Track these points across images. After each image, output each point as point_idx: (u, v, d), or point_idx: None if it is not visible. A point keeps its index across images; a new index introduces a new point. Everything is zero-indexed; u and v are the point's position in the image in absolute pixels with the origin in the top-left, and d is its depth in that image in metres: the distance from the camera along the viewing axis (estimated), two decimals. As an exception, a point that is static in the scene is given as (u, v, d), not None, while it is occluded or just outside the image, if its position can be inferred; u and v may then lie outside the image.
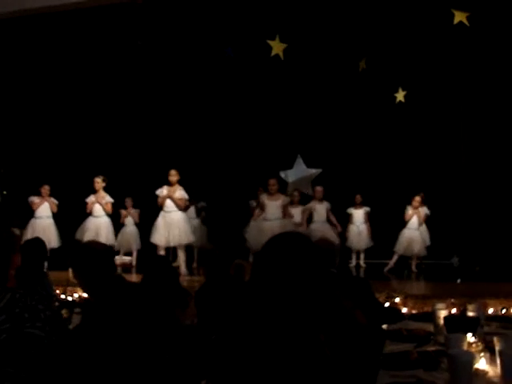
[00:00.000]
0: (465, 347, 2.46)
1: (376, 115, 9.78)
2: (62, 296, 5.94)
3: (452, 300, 4.86)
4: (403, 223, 8.48)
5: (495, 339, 2.34)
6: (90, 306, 3.03)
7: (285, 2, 8.16)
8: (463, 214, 9.24)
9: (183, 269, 7.63)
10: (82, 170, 9.64)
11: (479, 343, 2.55)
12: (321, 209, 8.60)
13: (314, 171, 10.01)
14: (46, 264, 4.59)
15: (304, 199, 9.03)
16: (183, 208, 7.85)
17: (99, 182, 8.30)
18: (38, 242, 4.42)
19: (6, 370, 1.77)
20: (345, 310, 2.10)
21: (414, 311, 4.96)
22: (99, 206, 8.32)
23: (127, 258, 9.15)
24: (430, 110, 9.56)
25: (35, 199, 8.55)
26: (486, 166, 9.16)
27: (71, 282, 5.61)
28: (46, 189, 8.57)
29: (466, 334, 2.55)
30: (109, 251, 2.78)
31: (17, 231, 7.99)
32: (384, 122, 9.78)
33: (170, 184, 7.75)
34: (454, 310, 4.44)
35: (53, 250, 7.78)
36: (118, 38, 9.03)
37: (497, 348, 2.29)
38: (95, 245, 2.83)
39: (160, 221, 7.82)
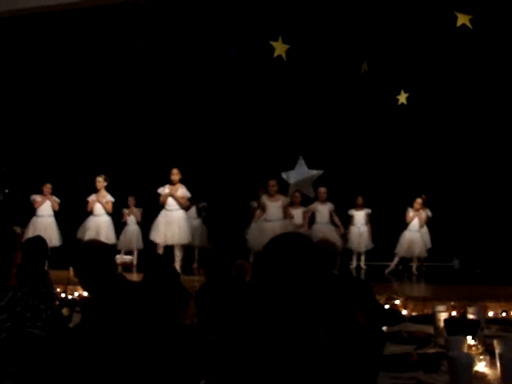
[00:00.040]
0: (465, 349, 2.46)
1: (378, 117, 9.76)
2: (63, 295, 5.95)
3: (452, 302, 4.86)
4: (404, 225, 8.48)
5: (495, 342, 2.35)
6: (90, 304, 3.04)
7: (288, 3, 8.16)
8: (464, 216, 9.23)
9: (178, 269, 7.63)
10: (85, 168, 9.65)
11: (479, 346, 2.55)
12: (323, 210, 8.54)
13: (315, 172, 10.03)
14: (46, 262, 4.59)
15: (305, 200, 9.02)
16: (185, 206, 7.88)
17: (101, 182, 8.32)
18: (39, 240, 4.42)
19: (5, 368, 1.77)
20: (345, 311, 2.10)
21: (414, 313, 4.96)
22: (100, 204, 8.33)
23: (128, 257, 9.14)
24: (432, 112, 9.55)
25: (37, 197, 8.56)
26: (488, 168, 9.14)
27: (72, 281, 5.61)
28: (48, 187, 8.58)
29: (466, 336, 2.55)
30: (109, 250, 2.78)
31: (18, 229, 8.00)
32: (386, 124, 9.77)
33: (172, 183, 7.79)
34: (454, 313, 4.44)
35: (54, 248, 7.78)
36: (120, 37, 9.04)
37: (497, 351, 2.29)
38: (96, 244, 2.83)
39: (160, 219, 7.85)
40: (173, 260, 7.87)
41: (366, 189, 9.28)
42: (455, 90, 9.52)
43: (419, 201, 8.38)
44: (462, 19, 7.57)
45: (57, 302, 4.30)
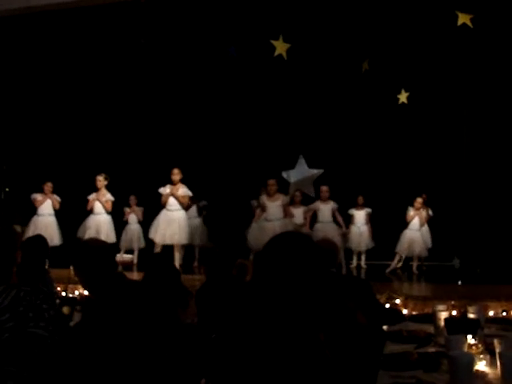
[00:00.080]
0: (465, 349, 2.45)
1: (378, 116, 9.77)
2: (63, 293, 5.95)
3: (453, 302, 4.86)
4: (405, 224, 8.48)
5: (495, 341, 2.34)
6: (90, 303, 3.04)
7: (288, 2, 8.16)
8: (465, 216, 9.23)
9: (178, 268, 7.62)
10: (86, 167, 9.65)
11: (479, 345, 2.55)
12: (325, 209, 8.49)
13: (315, 172, 10.01)
14: (47, 261, 4.59)
15: (306, 200, 9.02)
16: (186, 206, 7.89)
17: (101, 180, 8.32)
18: (39, 239, 4.42)
19: (8, 368, 1.77)
20: (345, 311, 2.10)
21: (414, 312, 4.96)
22: (100, 203, 8.33)
23: (128, 256, 9.15)
24: (432, 111, 9.56)
25: (38, 196, 8.56)
26: (488, 168, 9.15)
27: (72, 280, 5.62)
28: (48, 186, 8.58)
29: (466, 335, 2.55)
30: (109, 249, 2.78)
31: (18, 228, 8.02)
32: (386, 124, 9.77)
33: (172, 183, 7.79)
34: (454, 312, 4.44)
35: (54, 247, 7.78)
36: (121, 36, 9.05)
37: (497, 350, 2.29)
38: (96, 242, 2.83)
39: (160, 218, 7.87)
40: (173, 259, 7.87)
41: (367, 188, 9.28)
42: (456, 89, 9.52)
43: (420, 200, 8.38)
44: (463, 18, 7.58)
45: (57, 301, 4.30)
